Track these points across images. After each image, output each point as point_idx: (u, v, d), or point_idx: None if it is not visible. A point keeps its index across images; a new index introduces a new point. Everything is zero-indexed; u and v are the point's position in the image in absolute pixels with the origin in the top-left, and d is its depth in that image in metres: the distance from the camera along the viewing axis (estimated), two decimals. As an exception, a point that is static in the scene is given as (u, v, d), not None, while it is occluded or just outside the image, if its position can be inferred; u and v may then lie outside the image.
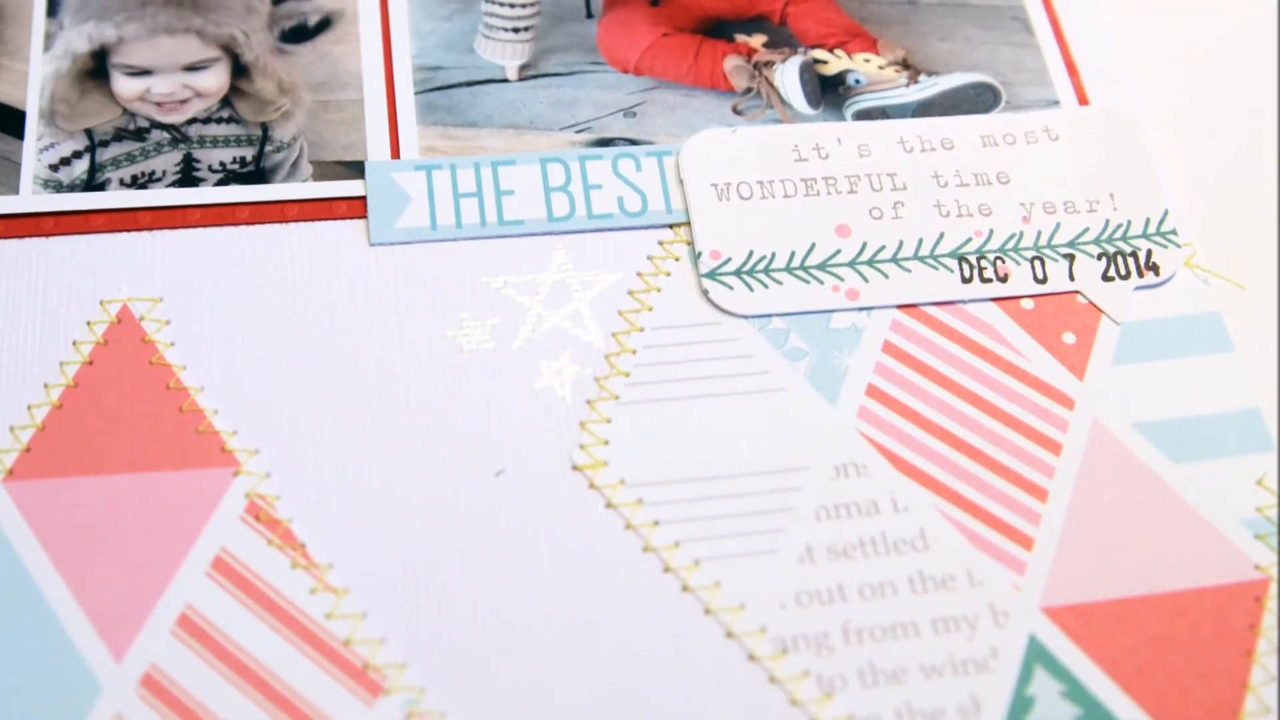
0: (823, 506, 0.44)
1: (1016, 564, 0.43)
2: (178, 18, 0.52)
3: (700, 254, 0.48)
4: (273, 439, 0.45)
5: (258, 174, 0.50)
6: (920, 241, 0.48)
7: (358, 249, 0.48)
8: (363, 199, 0.49)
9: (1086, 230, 0.49)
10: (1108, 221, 0.49)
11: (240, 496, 0.44)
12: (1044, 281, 0.48)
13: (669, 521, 0.44)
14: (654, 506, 0.44)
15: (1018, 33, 0.54)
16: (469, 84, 0.53)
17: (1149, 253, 0.49)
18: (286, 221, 0.49)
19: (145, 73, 0.51)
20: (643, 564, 0.43)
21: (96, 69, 0.51)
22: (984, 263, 0.48)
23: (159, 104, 0.51)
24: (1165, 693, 0.42)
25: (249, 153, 0.50)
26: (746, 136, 0.51)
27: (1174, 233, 0.49)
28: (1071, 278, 0.48)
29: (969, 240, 0.49)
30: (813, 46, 0.54)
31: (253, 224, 0.48)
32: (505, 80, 0.53)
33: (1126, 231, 0.49)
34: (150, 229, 0.48)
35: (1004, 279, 0.48)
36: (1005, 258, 0.48)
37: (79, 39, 0.52)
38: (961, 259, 0.48)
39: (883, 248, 0.48)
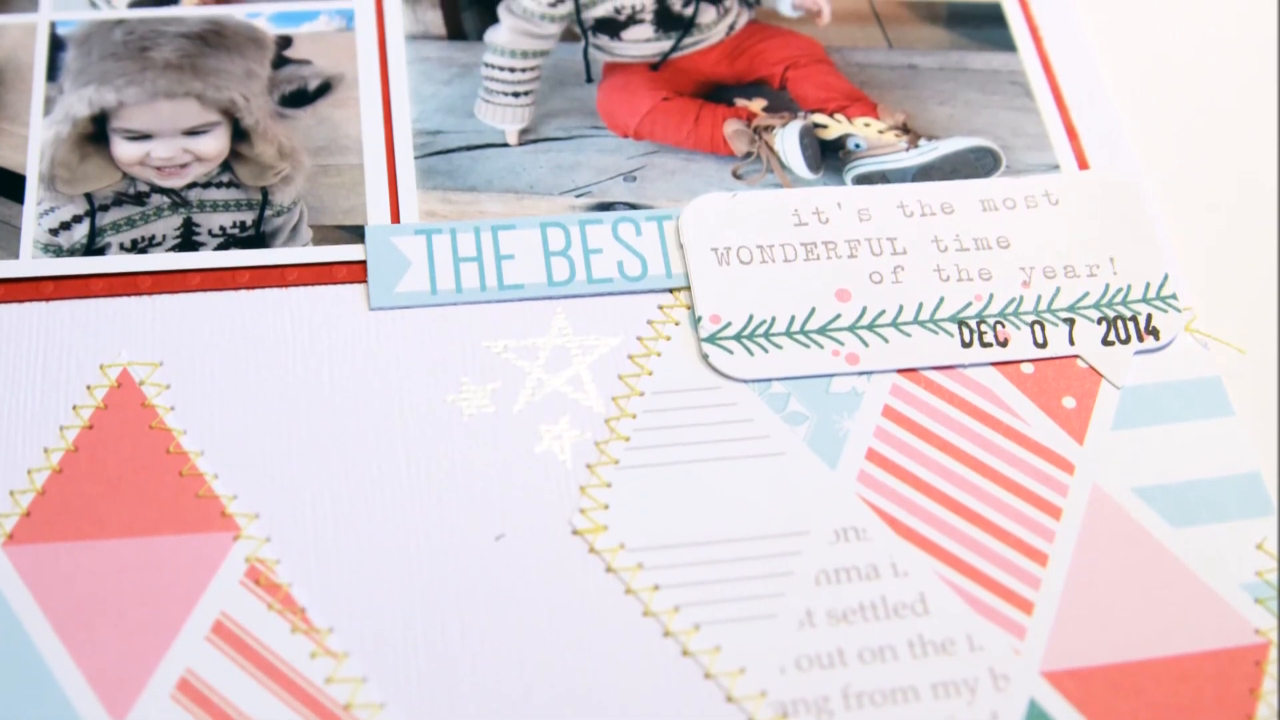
0: (823, 571, 0.46)
1: (1016, 628, 0.46)
2: (177, 82, 0.55)
3: (700, 318, 0.51)
4: (273, 503, 0.47)
5: (258, 238, 0.53)
6: (920, 306, 0.51)
7: (358, 313, 0.51)
8: (363, 263, 0.52)
9: (1086, 295, 0.52)
10: (1107, 286, 0.52)
11: (240, 561, 0.46)
12: (1044, 346, 0.51)
13: (669, 585, 0.46)
14: (654, 571, 0.46)
15: (1018, 97, 0.57)
16: (469, 148, 0.55)
17: (1149, 317, 0.51)
18: (286, 286, 0.51)
19: (145, 137, 0.54)
20: (643, 628, 0.45)
21: (97, 133, 0.54)
22: (984, 327, 0.51)
23: (159, 168, 0.54)
24: (1166, 757, 0.44)
25: (249, 217, 0.53)
26: (746, 201, 0.53)
27: (1174, 297, 0.52)
28: (1071, 342, 0.51)
29: (969, 304, 0.51)
30: (813, 111, 0.57)
31: (253, 288, 0.51)
32: (505, 145, 0.56)
33: (1126, 296, 0.52)
34: (150, 293, 0.51)
35: (1004, 343, 0.51)
36: (1005, 322, 0.51)
37: (79, 104, 0.55)
38: (961, 323, 0.51)
39: (883, 312, 0.51)
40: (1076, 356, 0.51)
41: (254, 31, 0.57)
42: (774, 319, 0.51)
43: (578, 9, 0.58)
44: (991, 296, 0.51)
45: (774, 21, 0.60)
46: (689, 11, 0.59)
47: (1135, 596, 0.46)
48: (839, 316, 0.51)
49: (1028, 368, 0.50)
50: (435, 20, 0.59)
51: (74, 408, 0.48)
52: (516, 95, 0.57)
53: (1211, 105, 0.58)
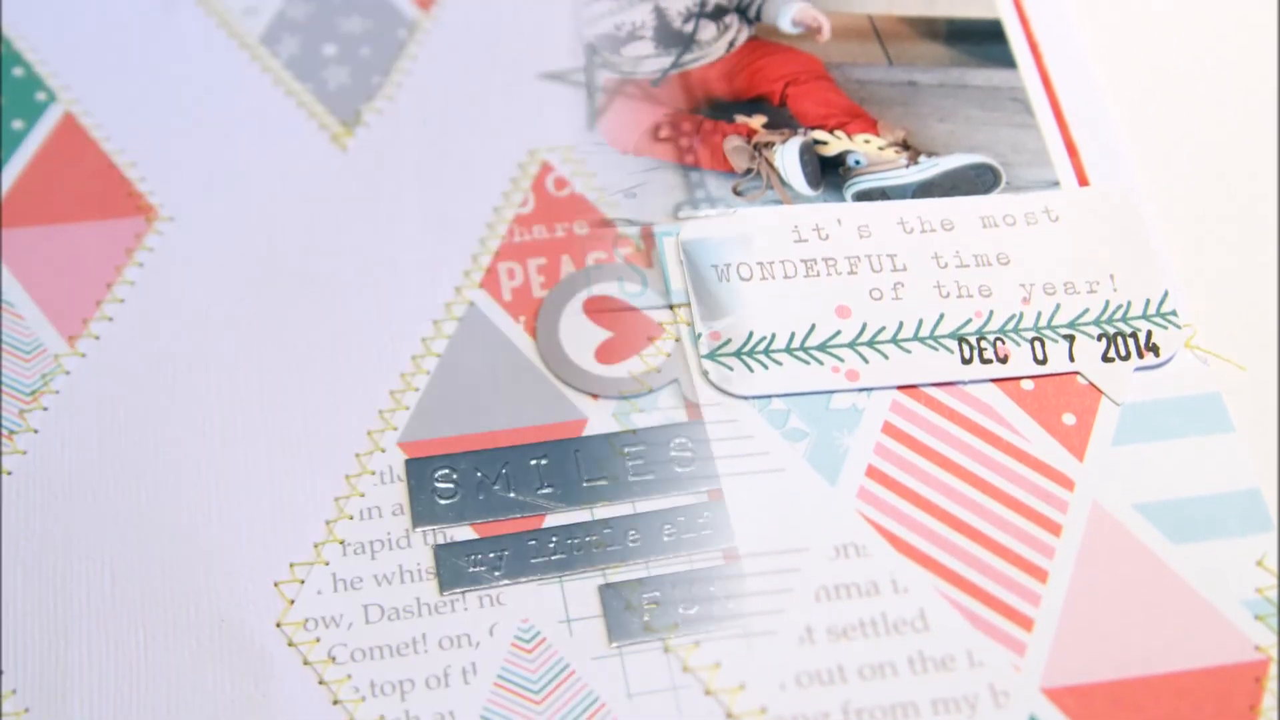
0: (823, 587, 0.47)
1: (1016, 645, 0.46)
2: None
3: (700, 335, 0.51)
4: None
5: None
6: (920, 322, 0.52)
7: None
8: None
9: (1086, 311, 0.52)
10: (1107, 302, 0.52)
11: (240, 577, 0.47)
12: (1044, 362, 0.51)
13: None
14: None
15: (1018, 114, 0.58)
16: (469, 165, 0.56)
17: (1149, 334, 0.52)
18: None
19: None
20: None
21: None
22: (984, 344, 0.51)
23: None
24: (1166, 774, 0.45)
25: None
26: (747, 217, 0.54)
27: (1174, 314, 0.52)
28: (1071, 359, 0.51)
29: (969, 321, 0.52)
30: (813, 127, 0.57)
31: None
32: (505, 161, 0.56)
33: (1126, 312, 0.52)
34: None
35: (1004, 360, 0.51)
36: (1005, 339, 0.51)
37: None
38: (961, 340, 0.51)
39: (883, 329, 0.51)
40: (1076, 373, 0.51)
41: None
42: (774, 335, 0.51)
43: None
44: (991, 313, 0.52)
45: (774, 38, 0.60)
46: (689, 28, 0.59)
47: (1135, 613, 0.47)
48: (839, 333, 0.51)
49: (1028, 384, 0.51)
50: (436, 37, 0.59)
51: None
52: (517, 112, 0.57)
53: (1211, 120, 0.58)
